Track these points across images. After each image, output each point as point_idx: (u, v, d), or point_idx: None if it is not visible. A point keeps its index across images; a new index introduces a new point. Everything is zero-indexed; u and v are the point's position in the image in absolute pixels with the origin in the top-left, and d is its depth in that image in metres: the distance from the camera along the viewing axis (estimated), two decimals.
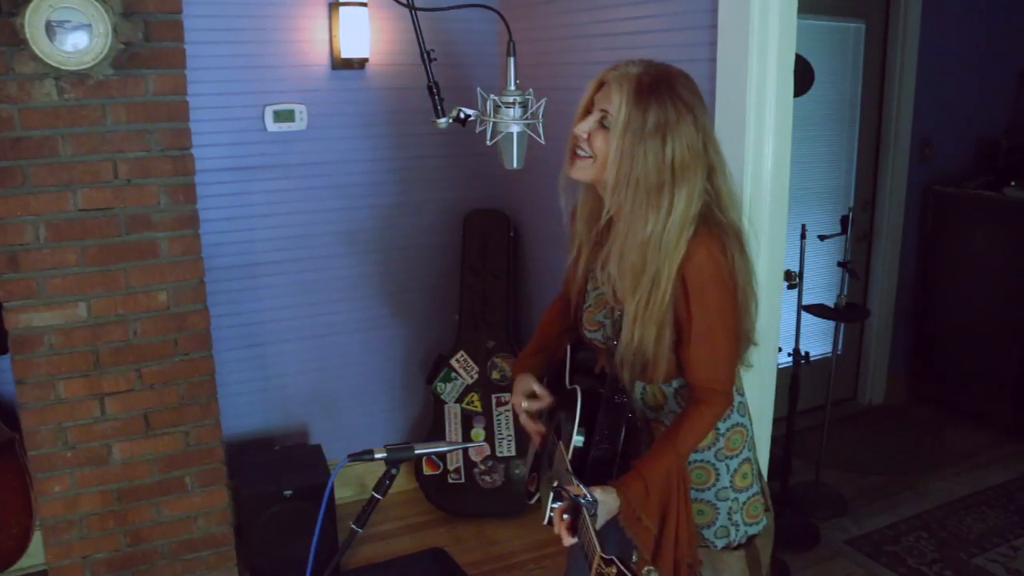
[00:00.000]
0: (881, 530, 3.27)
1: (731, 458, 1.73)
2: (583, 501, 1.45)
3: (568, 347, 1.88)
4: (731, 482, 1.72)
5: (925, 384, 4.46)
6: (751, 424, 1.78)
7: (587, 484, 1.51)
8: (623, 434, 1.65)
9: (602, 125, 1.58)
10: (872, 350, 4.40)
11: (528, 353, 1.95)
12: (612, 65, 1.62)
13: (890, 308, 4.36)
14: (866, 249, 4.27)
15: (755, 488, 1.77)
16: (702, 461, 1.71)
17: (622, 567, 1.27)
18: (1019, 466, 3.76)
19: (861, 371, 4.46)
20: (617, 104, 1.54)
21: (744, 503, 1.74)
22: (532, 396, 1.86)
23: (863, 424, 4.26)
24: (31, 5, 2.22)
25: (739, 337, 1.65)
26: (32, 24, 2.23)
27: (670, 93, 1.54)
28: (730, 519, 1.73)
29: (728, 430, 1.71)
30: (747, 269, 1.63)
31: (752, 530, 1.75)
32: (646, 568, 1.37)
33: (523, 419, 1.88)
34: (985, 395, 4.15)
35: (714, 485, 1.72)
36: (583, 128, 1.61)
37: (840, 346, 3.56)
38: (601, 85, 1.62)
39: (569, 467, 1.60)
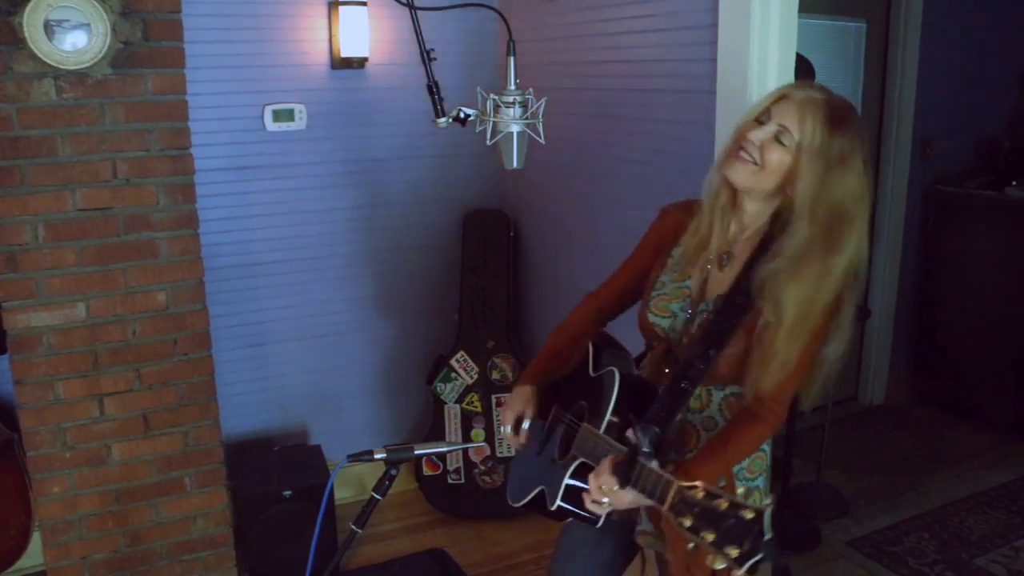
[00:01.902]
0: (882, 531, 3.26)
1: (750, 481, 1.73)
2: (644, 451, 1.44)
3: (590, 344, 1.85)
4: None
5: (926, 384, 4.46)
6: (769, 454, 1.78)
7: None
8: (674, 423, 1.63)
9: (777, 140, 1.58)
10: (873, 350, 4.39)
11: (541, 357, 1.92)
12: (792, 84, 1.65)
13: (891, 308, 4.35)
14: (867, 249, 4.26)
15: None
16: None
17: (711, 488, 1.25)
18: (1021, 467, 3.75)
19: (862, 371, 4.45)
20: (811, 128, 1.54)
21: None
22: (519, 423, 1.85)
23: (864, 424, 4.25)
24: (30, 4, 2.22)
25: (810, 366, 1.65)
26: (31, 23, 2.23)
27: (851, 124, 1.57)
28: None
29: (753, 452, 1.71)
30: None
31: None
32: (743, 488, 1.32)
33: (507, 432, 1.87)
34: (986, 395, 4.14)
35: None
36: (758, 136, 1.59)
37: None
38: (781, 98, 1.60)
39: (608, 437, 1.58)
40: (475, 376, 3.40)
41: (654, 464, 1.45)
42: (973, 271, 4.17)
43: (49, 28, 2.25)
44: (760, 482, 1.75)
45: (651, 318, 1.75)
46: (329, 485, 1.78)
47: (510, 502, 1.91)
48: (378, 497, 1.61)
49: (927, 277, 4.41)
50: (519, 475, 1.93)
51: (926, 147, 4.24)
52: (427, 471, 3.38)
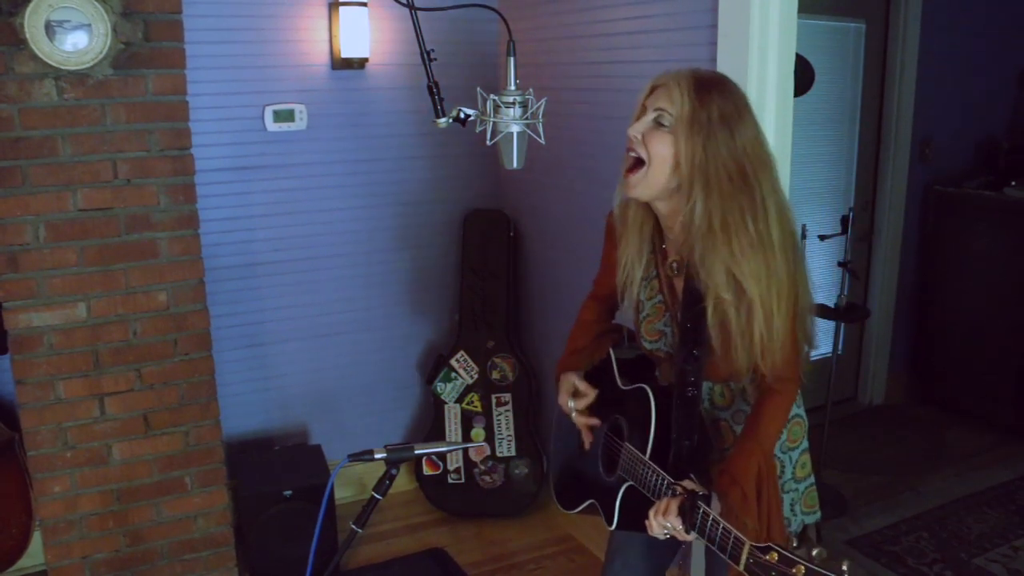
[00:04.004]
0: (881, 530, 3.27)
1: (793, 449, 1.75)
2: (702, 494, 1.46)
3: (610, 350, 1.88)
4: (793, 473, 1.75)
5: (925, 384, 4.46)
6: (805, 415, 1.80)
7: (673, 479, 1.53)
8: (700, 428, 1.65)
9: (659, 123, 1.55)
10: (872, 350, 4.39)
11: (568, 352, 1.93)
12: (660, 74, 1.61)
13: (890, 308, 4.36)
14: (866, 249, 4.27)
15: (812, 478, 1.80)
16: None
17: (784, 551, 1.25)
18: (1020, 466, 3.76)
19: (861, 371, 4.46)
20: (678, 99, 1.51)
21: (803, 492, 1.78)
22: (576, 394, 1.85)
23: (863, 424, 4.25)
24: (31, 5, 2.22)
25: (802, 334, 1.64)
26: (32, 24, 2.23)
27: (723, 87, 1.54)
28: (791, 510, 1.75)
29: (789, 422, 1.72)
30: (805, 269, 1.63)
31: (809, 519, 1.78)
32: (816, 550, 1.33)
33: (574, 416, 1.86)
34: (986, 395, 4.14)
35: (780, 478, 1.73)
36: (637, 128, 1.57)
37: (840, 346, 3.56)
38: (653, 89, 1.59)
39: (656, 466, 1.60)
40: (475, 376, 3.40)
41: (715, 508, 1.46)
42: (972, 271, 4.18)
43: (50, 29, 2.26)
44: (805, 444, 1.77)
45: (647, 345, 1.77)
46: (329, 485, 1.78)
47: (561, 507, 1.95)
48: (378, 497, 1.61)
49: (926, 277, 4.41)
50: (565, 477, 1.97)
51: (925, 147, 4.25)
52: (427, 471, 3.38)
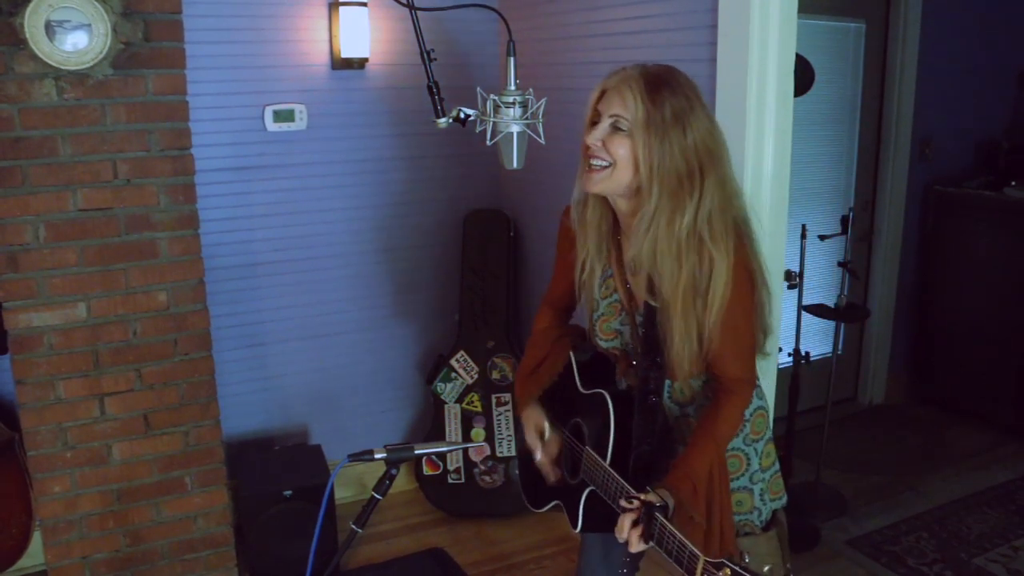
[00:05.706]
0: (881, 530, 3.27)
1: (757, 441, 1.77)
2: (659, 505, 1.47)
3: (571, 353, 1.88)
4: (760, 464, 1.78)
5: (925, 384, 4.46)
6: (768, 405, 1.83)
7: (632, 486, 1.54)
8: (659, 433, 1.67)
9: (616, 128, 1.57)
10: (872, 350, 4.39)
11: (525, 371, 1.94)
12: (606, 75, 1.62)
13: (890, 308, 4.36)
14: (866, 249, 4.27)
15: (777, 465, 1.84)
16: (733, 449, 1.75)
17: (737, 568, 1.27)
18: (1020, 466, 3.76)
19: (861, 371, 4.46)
20: (632, 103, 1.53)
21: (769, 481, 1.81)
22: (543, 438, 1.90)
23: (863, 424, 4.26)
24: (31, 5, 2.22)
25: (758, 327, 1.66)
26: (32, 24, 2.23)
27: (674, 84, 1.56)
28: (761, 499, 1.79)
29: (752, 414, 1.76)
30: (759, 258, 1.65)
31: (776, 505, 1.83)
32: (767, 567, 1.34)
33: (540, 460, 1.89)
34: (985, 395, 4.14)
35: (747, 471, 1.77)
36: (596, 136, 1.58)
37: (840, 346, 3.56)
38: (603, 94, 1.60)
39: (615, 473, 1.61)
40: (475, 376, 3.40)
41: (671, 504, 1.48)
42: (972, 271, 4.18)
43: (50, 29, 2.26)
44: (768, 434, 1.81)
45: (602, 344, 1.78)
46: (329, 485, 1.78)
47: (529, 506, 1.97)
48: (378, 497, 1.61)
49: (926, 277, 4.41)
50: (532, 479, 1.97)
51: (925, 147, 4.25)
52: (427, 471, 3.38)
